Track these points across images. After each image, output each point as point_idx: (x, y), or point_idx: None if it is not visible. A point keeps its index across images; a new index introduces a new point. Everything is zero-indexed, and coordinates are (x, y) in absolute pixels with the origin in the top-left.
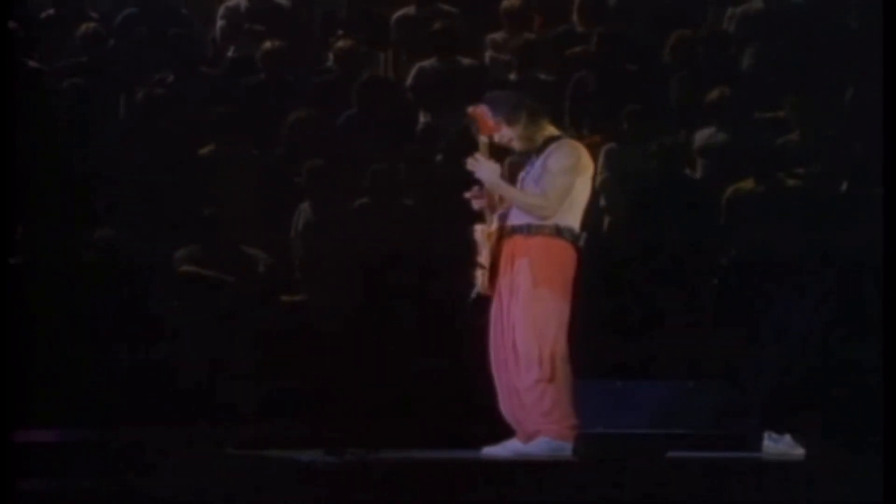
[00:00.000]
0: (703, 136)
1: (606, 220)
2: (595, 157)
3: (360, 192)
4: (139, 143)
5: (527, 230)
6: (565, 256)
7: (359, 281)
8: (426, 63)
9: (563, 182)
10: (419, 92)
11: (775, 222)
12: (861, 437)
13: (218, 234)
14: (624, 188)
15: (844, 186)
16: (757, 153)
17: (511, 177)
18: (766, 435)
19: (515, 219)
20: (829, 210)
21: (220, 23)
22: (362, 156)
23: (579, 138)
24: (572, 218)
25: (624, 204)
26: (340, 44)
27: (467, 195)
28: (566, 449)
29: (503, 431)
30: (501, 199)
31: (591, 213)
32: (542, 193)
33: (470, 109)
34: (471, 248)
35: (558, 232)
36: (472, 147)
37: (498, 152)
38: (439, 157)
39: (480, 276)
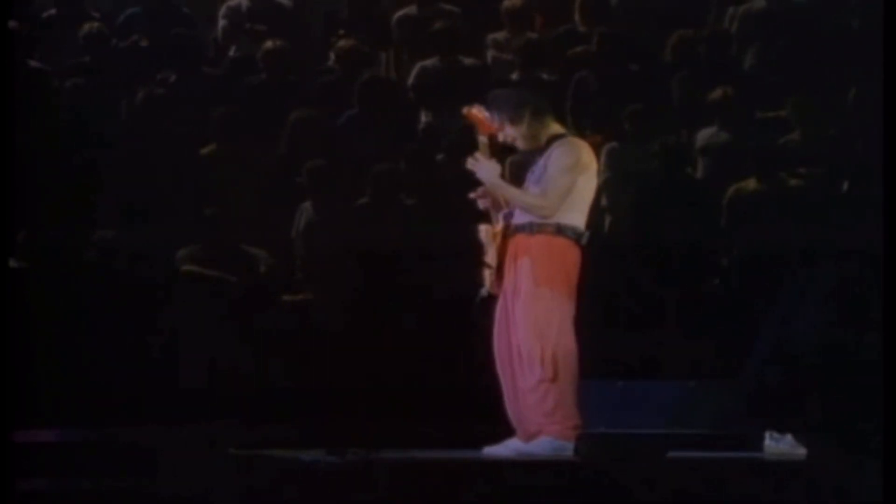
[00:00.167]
0: (704, 135)
1: (608, 220)
2: (596, 157)
3: (361, 191)
4: (141, 142)
5: (528, 229)
6: (567, 255)
7: (360, 280)
8: (427, 63)
9: (563, 181)
10: (420, 92)
11: (777, 222)
12: (861, 438)
13: (219, 233)
14: (625, 188)
15: (846, 186)
16: (758, 153)
17: (514, 176)
18: (767, 435)
19: (519, 218)
20: (831, 210)
21: (221, 22)
22: (363, 155)
23: (581, 138)
24: (575, 216)
25: (625, 204)
26: (342, 43)
27: (472, 195)
28: (568, 449)
29: (504, 430)
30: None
31: (594, 213)
32: (542, 193)
33: (464, 110)
34: (473, 247)
35: (560, 230)
36: (474, 146)
37: (500, 152)
38: (441, 157)
39: (488, 276)
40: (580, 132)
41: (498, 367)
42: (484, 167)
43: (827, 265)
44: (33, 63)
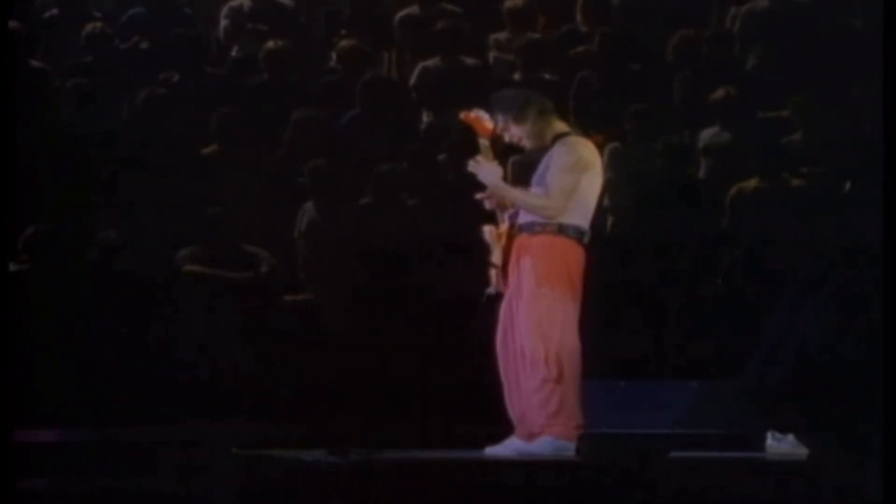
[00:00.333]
0: (706, 135)
1: (610, 220)
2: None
3: (363, 191)
4: (142, 142)
5: (530, 229)
6: (569, 255)
7: (362, 281)
8: (429, 63)
9: (565, 180)
10: (422, 92)
11: (779, 222)
12: (863, 438)
13: (221, 233)
14: (628, 188)
15: (848, 186)
16: (761, 153)
17: (520, 176)
18: (769, 435)
19: (522, 217)
20: (833, 210)
21: (223, 22)
22: (365, 155)
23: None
24: (578, 215)
25: (628, 203)
26: (344, 43)
27: (479, 196)
28: (569, 449)
29: (506, 430)
30: None
31: (596, 213)
32: (545, 193)
33: (462, 115)
34: (475, 247)
35: (561, 230)
36: (476, 147)
37: (503, 153)
38: (442, 157)
39: (494, 276)
40: (582, 132)
41: (500, 366)
42: (485, 170)
43: (829, 265)
44: (35, 63)
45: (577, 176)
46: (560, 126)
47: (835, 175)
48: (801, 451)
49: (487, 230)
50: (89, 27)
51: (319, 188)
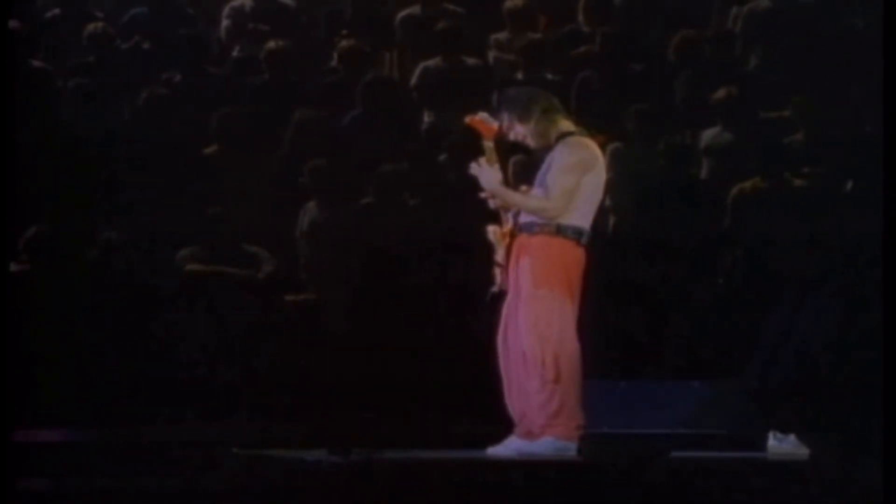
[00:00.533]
0: (708, 135)
1: (612, 220)
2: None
3: (364, 191)
4: (144, 142)
5: (529, 229)
6: (567, 255)
7: (364, 280)
8: (431, 63)
9: (565, 181)
10: (423, 92)
11: (781, 222)
12: (864, 438)
13: (222, 233)
14: (629, 188)
15: (850, 186)
16: (762, 153)
17: (521, 175)
18: (770, 435)
19: (523, 217)
20: (835, 209)
21: (224, 22)
22: (367, 155)
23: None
24: (578, 216)
25: (629, 203)
26: (345, 44)
27: (482, 195)
28: (571, 449)
29: (505, 429)
30: None
31: (597, 213)
32: (545, 194)
33: (467, 119)
34: (477, 247)
35: (559, 230)
36: (478, 147)
37: (507, 155)
38: (444, 157)
39: (499, 274)
40: (589, 132)
41: (501, 364)
42: (485, 174)
43: (829, 265)
44: (37, 63)
45: (577, 177)
46: (565, 125)
47: (836, 175)
48: (803, 452)
49: (491, 230)
50: (91, 27)
51: (320, 188)
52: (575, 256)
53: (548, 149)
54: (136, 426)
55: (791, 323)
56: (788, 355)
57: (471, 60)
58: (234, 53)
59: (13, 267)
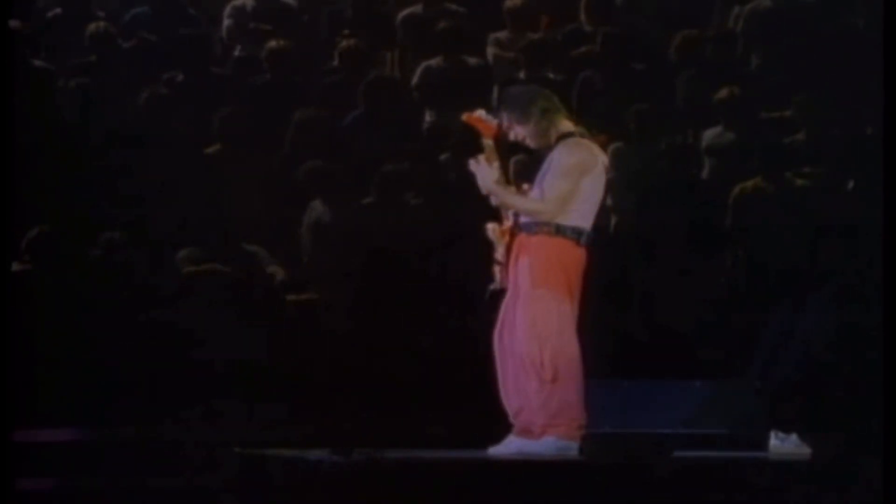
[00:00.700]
0: (709, 135)
1: (613, 220)
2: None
3: (366, 191)
4: (145, 142)
5: (528, 228)
6: (566, 255)
7: (365, 280)
8: (432, 62)
9: (562, 185)
10: (425, 91)
11: (782, 221)
12: (866, 438)
13: (224, 233)
14: (630, 187)
15: (851, 185)
16: (764, 152)
17: (523, 174)
18: (772, 434)
19: (522, 216)
20: (836, 209)
21: (226, 22)
22: (368, 155)
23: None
24: (578, 216)
25: (630, 203)
26: (346, 43)
27: (484, 192)
28: (572, 449)
29: (505, 428)
30: None
31: (598, 213)
32: (541, 197)
33: (464, 116)
34: (479, 246)
35: (559, 230)
36: (479, 147)
37: (507, 153)
38: (445, 156)
39: (498, 272)
40: (589, 132)
41: (497, 361)
42: (482, 172)
43: (831, 265)
44: (38, 63)
45: (574, 180)
46: (565, 125)
47: (837, 175)
48: (804, 451)
49: (490, 227)
50: (92, 27)
51: (322, 188)
52: (574, 256)
53: (548, 149)
54: (137, 426)
55: (792, 323)
56: (789, 355)
57: (472, 60)
58: (236, 53)
59: (15, 266)
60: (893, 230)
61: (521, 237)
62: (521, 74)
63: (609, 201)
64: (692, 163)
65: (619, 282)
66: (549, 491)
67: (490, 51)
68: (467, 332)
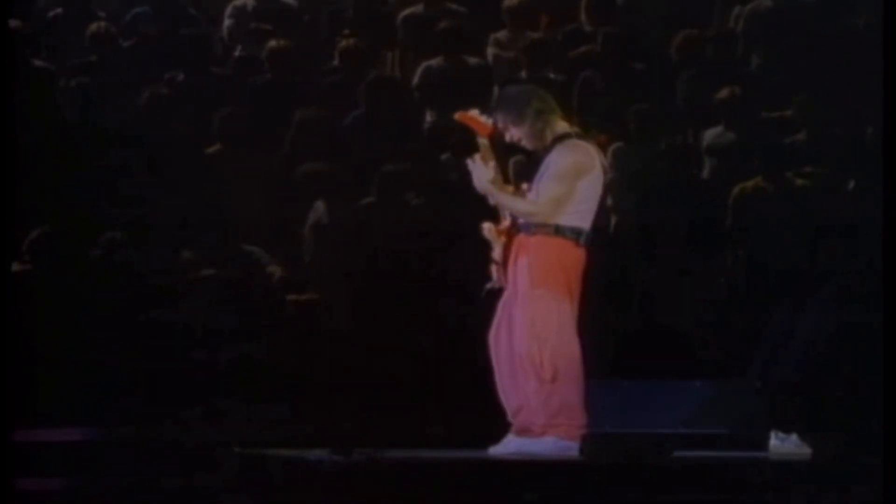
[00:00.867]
0: (710, 135)
1: (613, 220)
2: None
3: (366, 191)
4: (146, 142)
5: (527, 228)
6: (566, 256)
7: (366, 280)
8: (433, 62)
9: (557, 188)
10: (426, 91)
11: (782, 221)
12: (866, 438)
13: (224, 233)
14: (630, 187)
15: (852, 185)
16: (764, 152)
17: (522, 175)
18: (772, 434)
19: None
20: (837, 209)
21: (227, 22)
22: (369, 155)
23: (586, 137)
24: (577, 217)
25: (631, 203)
26: (347, 43)
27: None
28: (573, 448)
29: (503, 428)
30: None
31: (599, 213)
32: (535, 199)
33: (457, 115)
34: (479, 245)
35: (558, 231)
36: (477, 146)
37: (504, 152)
38: (446, 156)
39: (495, 271)
40: (586, 132)
41: (493, 360)
42: (477, 172)
43: (831, 265)
44: (39, 63)
45: (570, 182)
46: (561, 126)
47: (838, 175)
48: (805, 451)
49: (486, 227)
50: (93, 26)
51: (322, 188)
52: (574, 256)
53: (544, 150)
54: (137, 426)
55: (792, 322)
56: (790, 355)
57: (473, 60)
58: (237, 53)
59: (15, 267)
60: (893, 230)
61: (520, 237)
62: (523, 74)
63: (609, 201)
64: (692, 163)
65: (619, 282)
66: (549, 491)
67: (490, 51)
68: (467, 332)
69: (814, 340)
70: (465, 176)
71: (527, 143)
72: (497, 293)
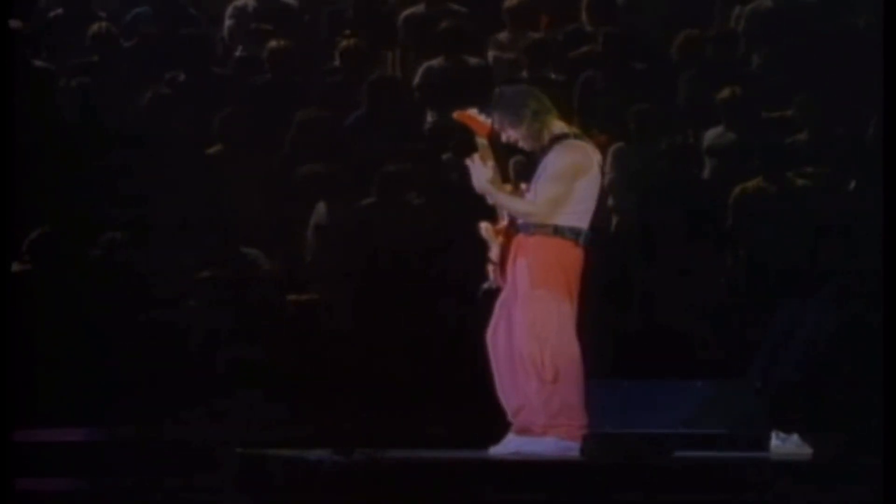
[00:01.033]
0: (711, 135)
1: (614, 220)
2: (603, 157)
3: (367, 191)
4: (147, 142)
5: (526, 229)
6: (565, 256)
7: (367, 281)
8: (434, 62)
9: (554, 188)
10: (427, 91)
11: (783, 221)
12: (867, 438)
13: (225, 234)
14: (631, 187)
15: (852, 185)
16: (765, 152)
17: (522, 175)
18: (773, 435)
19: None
20: (837, 209)
21: (228, 22)
22: (370, 155)
23: (587, 137)
24: (576, 217)
25: (631, 203)
26: (347, 43)
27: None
28: (574, 449)
29: (503, 427)
30: None
31: (599, 213)
32: (533, 200)
33: (455, 115)
34: (479, 246)
35: (557, 231)
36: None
37: (503, 152)
38: (447, 156)
39: (492, 271)
40: (586, 132)
41: (491, 360)
42: (475, 171)
43: (832, 265)
44: (39, 63)
45: (567, 183)
46: (558, 126)
47: (839, 175)
48: (806, 451)
49: (484, 227)
50: (94, 27)
51: (323, 188)
52: (573, 256)
53: (542, 150)
54: (138, 426)
55: (793, 323)
56: (790, 355)
57: (474, 60)
58: (237, 53)
59: (15, 267)
60: (893, 230)
61: (519, 237)
62: (524, 74)
63: (609, 201)
64: (693, 163)
65: (619, 282)
66: (549, 491)
67: (491, 51)
68: (467, 332)
69: (814, 340)
70: (466, 176)
71: (524, 144)
72: (494, 293)
